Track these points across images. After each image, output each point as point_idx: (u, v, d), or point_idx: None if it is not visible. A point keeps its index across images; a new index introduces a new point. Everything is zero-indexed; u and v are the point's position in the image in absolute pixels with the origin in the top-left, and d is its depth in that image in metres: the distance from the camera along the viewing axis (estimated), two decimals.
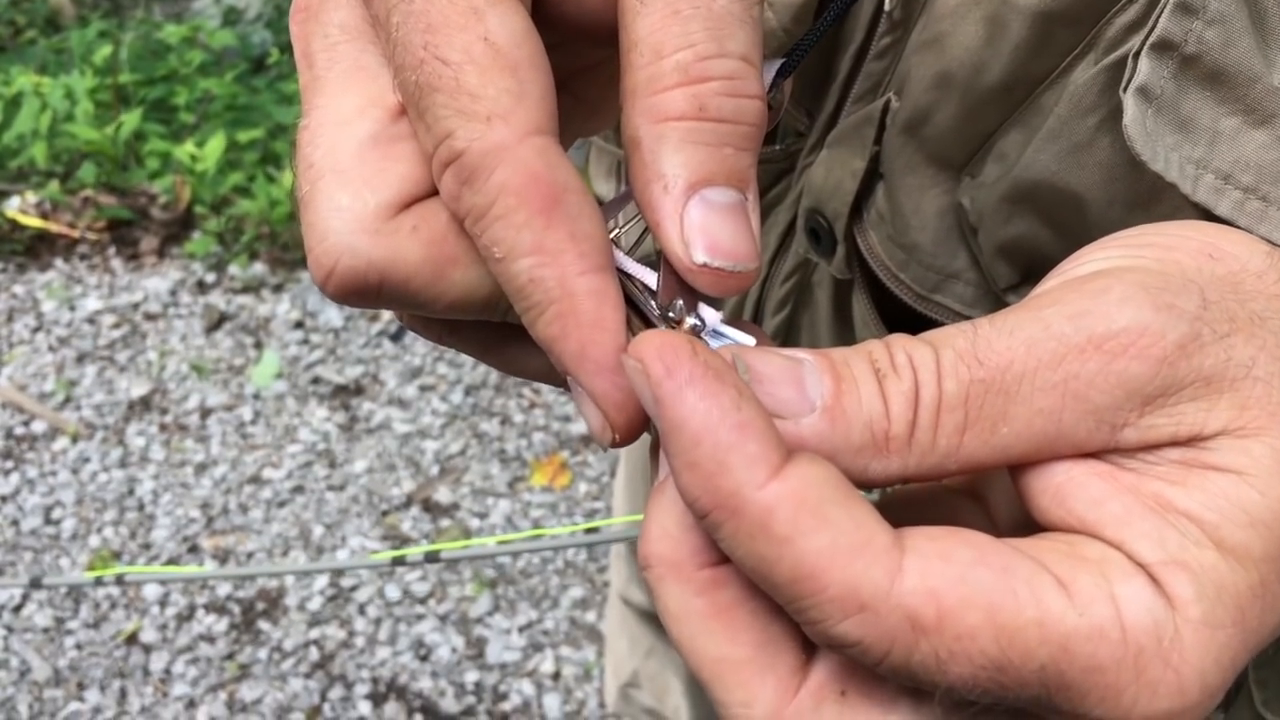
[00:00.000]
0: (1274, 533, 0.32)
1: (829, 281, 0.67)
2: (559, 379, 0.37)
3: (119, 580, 1.27)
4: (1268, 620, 0.32)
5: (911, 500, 0.39)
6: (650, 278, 0.37)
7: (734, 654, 0.33)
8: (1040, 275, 0.42)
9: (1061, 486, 0.33)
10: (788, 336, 0.72)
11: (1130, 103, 0.43)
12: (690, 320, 0.36)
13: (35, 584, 1.97)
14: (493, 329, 0.40)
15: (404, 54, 0.34)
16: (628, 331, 0.35)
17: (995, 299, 0.57)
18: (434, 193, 0.36)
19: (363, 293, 0.36)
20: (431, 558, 0.99)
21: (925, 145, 0.56)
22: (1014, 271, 0.54)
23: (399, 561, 0.98)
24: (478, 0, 0.34)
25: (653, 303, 0.37)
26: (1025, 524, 0.35)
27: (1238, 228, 0.42)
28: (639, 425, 0.35)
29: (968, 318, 0.57)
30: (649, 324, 0.36)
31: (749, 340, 0.36)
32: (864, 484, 0.33)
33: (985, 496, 0.39)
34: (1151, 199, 0.47)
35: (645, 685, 1.38)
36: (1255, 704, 0.63)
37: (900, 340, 0.34)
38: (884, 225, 0.60)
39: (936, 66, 0.53)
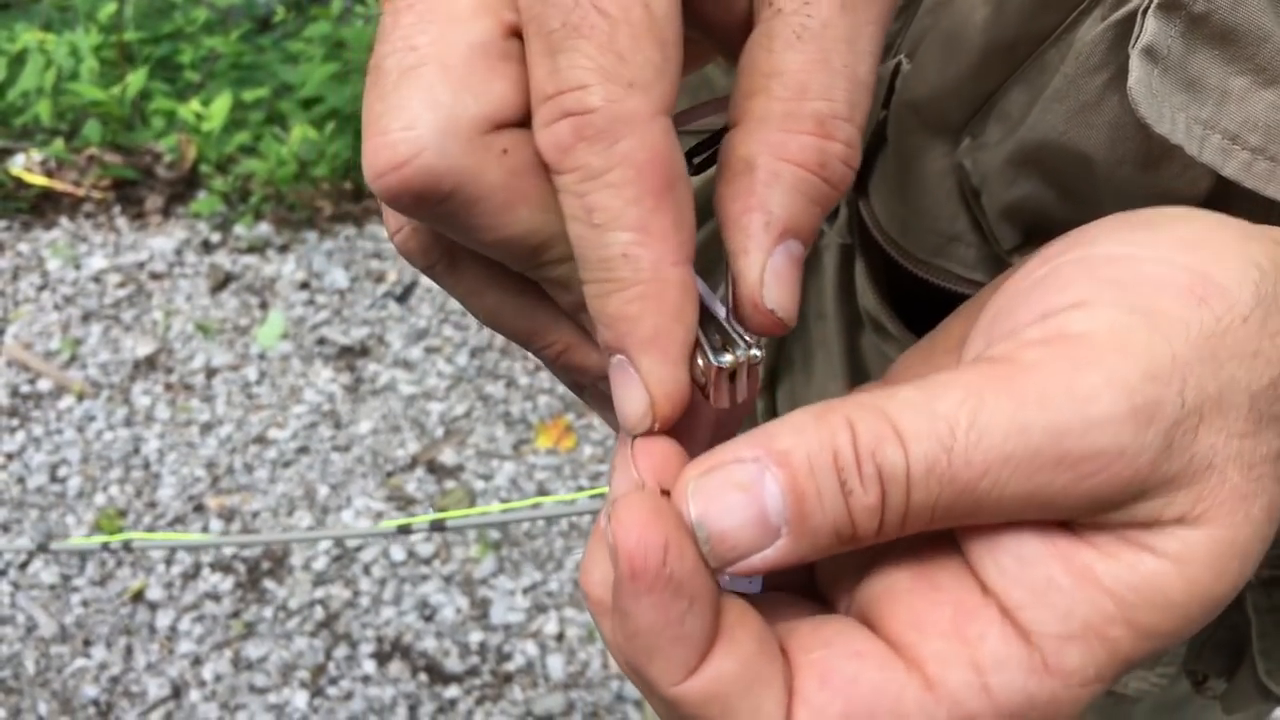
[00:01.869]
0: (1188, 614, 0.33)
1: (835, 248, 0.66)
2: (572, 367, 0.39)
3: (126, 547, 1.28)
4: (1145, 659, 0.34)
5: None
6: (708, 297, 0.37)
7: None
8: (1044, 237, 0.41)
9: (999, 533, 0.34)
10: None
11: (1136, 63, 0.42)
12: (755, 351, 0.37)
13: (42, 548, 1.98)
14: (528, 311, 0.40)
15: None
16: (700, 335, 0.36)
17: (998, 261, 0.56)
18: (522, 123, 0.34)
19: (425, 198, 0.34)
20: (437, 526, 1.00)
21: (926, 107, 0.55)
22: (1018, 233, 0.54)
23: (405, 530, 0.99)
24: None
25: (720, 317, 0.37)
26: None
27: (1243, 188, 0.42)
28: (678, 419, 0.37)
29: (970, 281, 0.57)
30: (709, 336, 0.37)
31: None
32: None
33: None
34: (1161, 157, 0.46)
35: None
36: (1259, 674, 0.63)
37: (869, 435, 0.33)
38: (884, 189, 0.59)
39: (943, 26, 0.52)
